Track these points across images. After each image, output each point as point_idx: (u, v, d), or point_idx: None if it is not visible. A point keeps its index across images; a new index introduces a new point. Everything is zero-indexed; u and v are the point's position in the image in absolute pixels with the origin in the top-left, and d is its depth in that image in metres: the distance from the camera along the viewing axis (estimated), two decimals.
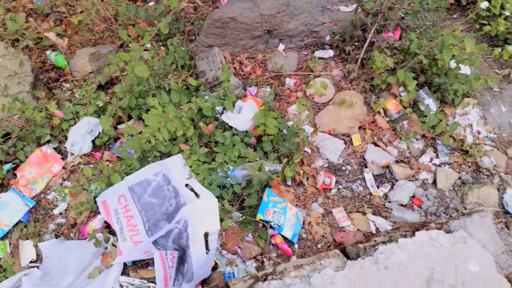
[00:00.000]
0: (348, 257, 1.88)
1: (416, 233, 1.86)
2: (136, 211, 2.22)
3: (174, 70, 2.90)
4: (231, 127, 2.55)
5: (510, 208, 2.43)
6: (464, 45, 2.57)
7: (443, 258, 1.75)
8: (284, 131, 2.65)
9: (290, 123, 2.76)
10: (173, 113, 2.31)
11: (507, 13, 2.50)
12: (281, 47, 3.12)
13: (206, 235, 2.11)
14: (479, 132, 2.88)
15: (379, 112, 2.85)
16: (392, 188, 2.62)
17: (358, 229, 2.42)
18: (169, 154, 2.45)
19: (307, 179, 2.62)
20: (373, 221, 2.45)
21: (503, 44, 3.02)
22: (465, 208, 2.47)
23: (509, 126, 2.94)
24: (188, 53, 3.04)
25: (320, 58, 3.12)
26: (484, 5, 2.74)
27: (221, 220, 2.17)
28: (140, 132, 2.23)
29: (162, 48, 3.07)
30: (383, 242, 1.85)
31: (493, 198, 2.49)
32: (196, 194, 2.23)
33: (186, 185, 2.29)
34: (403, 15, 3.10)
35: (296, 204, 2.50)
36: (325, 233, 2.39)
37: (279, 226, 2.31)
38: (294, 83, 3.03)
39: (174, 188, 2.27)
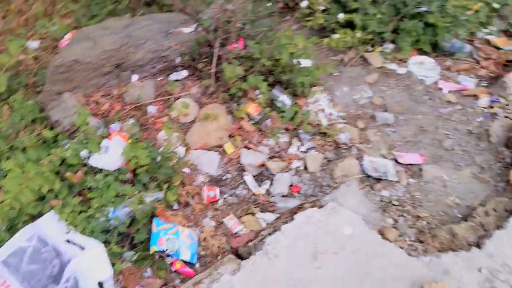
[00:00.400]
0: (242, 258, 1.97)
1: (295, 216, 2.03)
2: (17, 283, 2.03)
3: (26, 127, 2.72)
4: (101, 169, 2.48)
5: (369, 172, 2.78)
6: (296, 42, 2.88)
7: (321, 231, 1.95)
8: (158, 158, 2.66)
9: (162, 149, 2.78)
10: (33, 171, 2.17)
11: (321, 7, 2.89)
12: (135, 78, 3.13)
13: (101, 285, 2.02)
14: (331, 114, 3.23)
15: (243, 117, 3.02)
16: (272, 183, 2.80)
17: (251, 230, 2.53)
18: (41, 214, 2.29)
19: (193, 197, 2.67)
20: (263, 218, 2.59)
21: (330, 34, 3.43)
22: (336, 183, 2.76)
23: (353, 103, 3.36)
24: (38, 105, 2.87)
25: (176, 80, 3.20)
26: (304, 4, 3.11)
27: (113, 265, 2.10)
28: (2, 202, 2.06)
29: (6, 106, 2.85)
30: (269, 234, 1.99)
31: (355, 167, 2.82)
32: (81, 247, 2.13)
33: (68, 240, 2.16)
34: (242, 26, 3.35)
35: (188, 225, 2.52)
36: (222, 244, 2.45)
37: (176, 251, 2.31)
38: (157, 110, 3.06)
39: (53, 248, 2.14)
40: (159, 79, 3.23)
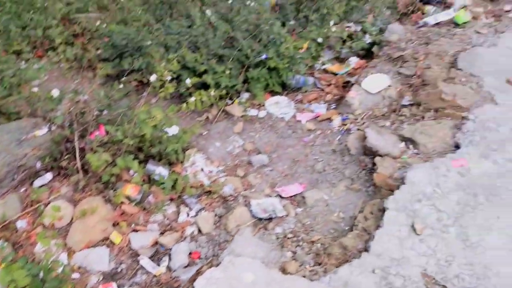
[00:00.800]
0: None
1: (194, 283, 2.00)
2: None
3: None
4: None
5: (259, 215, 2.87)
6: (155, 115, 2.94)
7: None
8: (40, 273, 2.41)
9: (42, 263, 2.53)
10: None
11: (169, 77, 3.04)
12: None
13: None
14: (210, 171, 3.32)
15: (122, 202, 2.93)
16: (170, 258, 2.72)
17: None
18: None
19: None
20: None
21: (187, 98, 3.58)
22: (232, 236, 2.79)
23: (228, 154, 3.50)
24: None
25: (41, 186, 3.01)
26: (153, 78, 3.23)
27: None
28: None
29: None
30: None
31: (245, 215, 2.90)
32: None
33: None
34: (98, 113, 3.32)
35: None
36: None
37: None
38: (28, 223, 2.82)
39: None
40: (22, 190, 3.00)
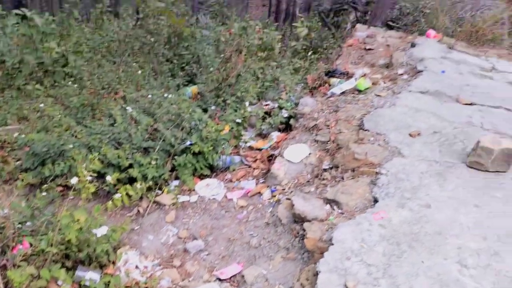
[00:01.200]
0: None
1: None
2: None
3: None
4: None
5: None
6: (78, 218, 2.87)
7: None
8: None
9: None
10: None
11: (89, 178, 3.02)
12: None
13: None
14: (146, 267, 3.21)
15: None
16: None
17: None
18: None
19: None
20: None
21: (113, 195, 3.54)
22: None
23: (163, 246, 3.43)
24: None
25: None
26: (74, 180, 3.18)
27: None
28: None
29: None
30: None
31: None
32: None
33: None
34: (19, 226, 3.16)
35: None
36: None
37: None
38: None
39: None
40: None
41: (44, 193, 3.63)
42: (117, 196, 3.29)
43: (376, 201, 3.06)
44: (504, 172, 3.31)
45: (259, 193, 3.82)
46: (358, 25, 8.04)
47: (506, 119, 4.27)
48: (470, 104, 4.52)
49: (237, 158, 4.30)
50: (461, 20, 9.09)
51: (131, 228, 3.54)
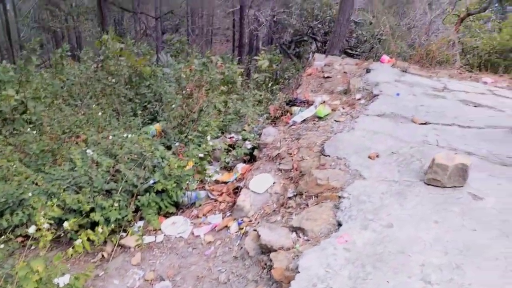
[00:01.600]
0: None
1: None
2: None
3: None
4: None
5: None
6: (36, 269, 2.75)
7: None
8: None
9: None
10: None
11: (46, 225, 2.92)
12: None
13: None
14: None
15: None
16: None
17: None
18: None
19: None
20: None
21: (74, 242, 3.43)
22: None
23: None
24: None
25: None
26: (32, 229, 3.07)
27: None
28: None
29: None
30: None
31: None
32: None
33: None
34: None
35: None
36: None
37: None
38: None
39: None
40: None
41: (1, 246, 3.48)
42: (77, 242, 3.18)
43: (340, 224, 3.08)
44: (461, 186, 3.41)
45: (227, 227, 3.78)
46: (316, 55, 8.34)
47: (459, 135, 4.46)
48: (425, 123, 4.71)
49: (202, 193, 4.27)
50: (414, 44, 9.60)
51: (96, 274, 3.41)
